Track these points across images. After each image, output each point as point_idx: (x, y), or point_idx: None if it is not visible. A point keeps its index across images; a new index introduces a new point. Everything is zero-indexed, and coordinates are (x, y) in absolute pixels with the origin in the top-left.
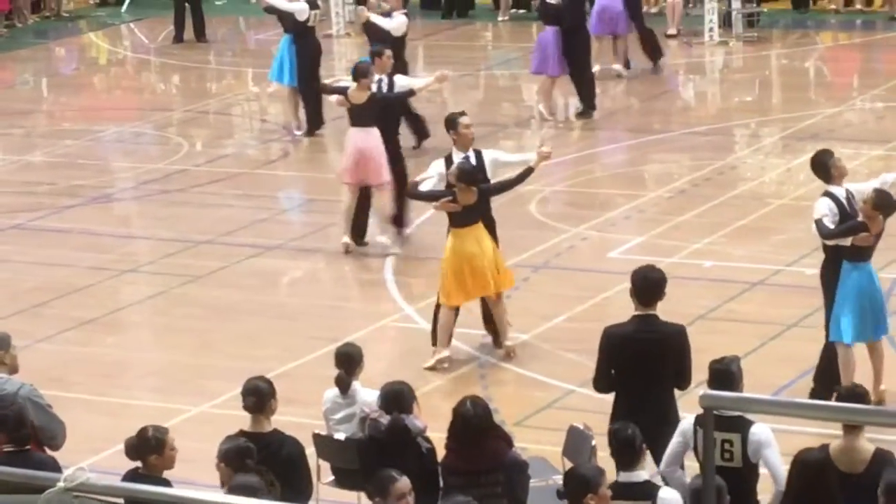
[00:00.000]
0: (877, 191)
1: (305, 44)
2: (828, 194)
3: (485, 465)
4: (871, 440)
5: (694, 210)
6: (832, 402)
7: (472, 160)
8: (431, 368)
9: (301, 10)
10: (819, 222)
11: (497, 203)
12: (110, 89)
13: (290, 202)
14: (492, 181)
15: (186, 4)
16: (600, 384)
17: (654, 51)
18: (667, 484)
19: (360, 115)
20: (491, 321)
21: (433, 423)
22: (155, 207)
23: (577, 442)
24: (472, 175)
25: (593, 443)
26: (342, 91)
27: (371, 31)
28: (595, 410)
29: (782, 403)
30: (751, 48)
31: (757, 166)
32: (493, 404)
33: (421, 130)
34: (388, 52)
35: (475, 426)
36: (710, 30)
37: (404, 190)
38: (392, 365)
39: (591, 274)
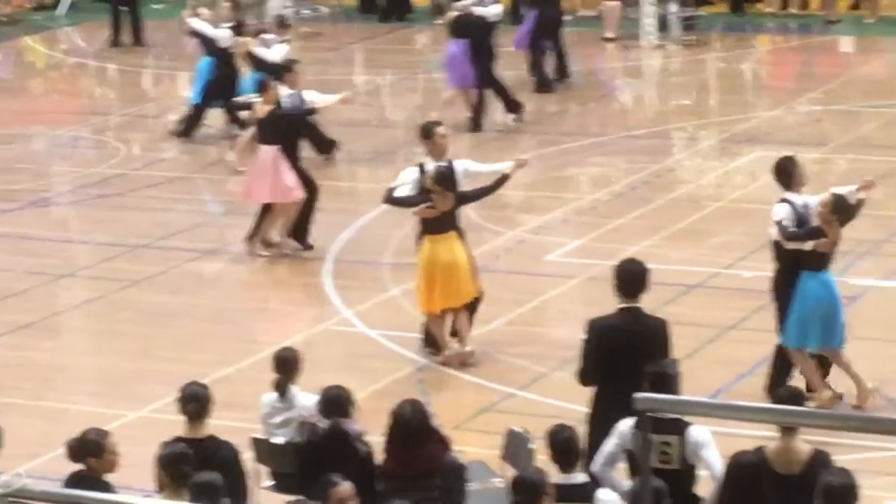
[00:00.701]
0: (835, 194)
1: (225, 68)
2: (786, 201)
3: (422, 469)
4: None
5: (631, 213)
6: (769, 405)
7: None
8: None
9: (224, 37)
10: (780, 224)
11: None
12: (48, 93)
13: (227, 206)
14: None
15: (124, 8)
16: (586, 376)
17: (510, 104)
18: (601, 485)
19: (263, 132)
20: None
21: (372, 427)
22: (93, 211)
23: (516, 445)
24: (451, 180)
25: (532, 446)
26: (249, 107)
27: (253, 61)
28: (534, 413)
29: (719, 406)
30: (688, 52)
31: (694, 169)
32: (432, 408)
33: (322, 143)
34: (299, 67)
35: (413, 429)
36: (648, 33)
37: (313, 205)
38: (331, 369)
39: (528, 277)
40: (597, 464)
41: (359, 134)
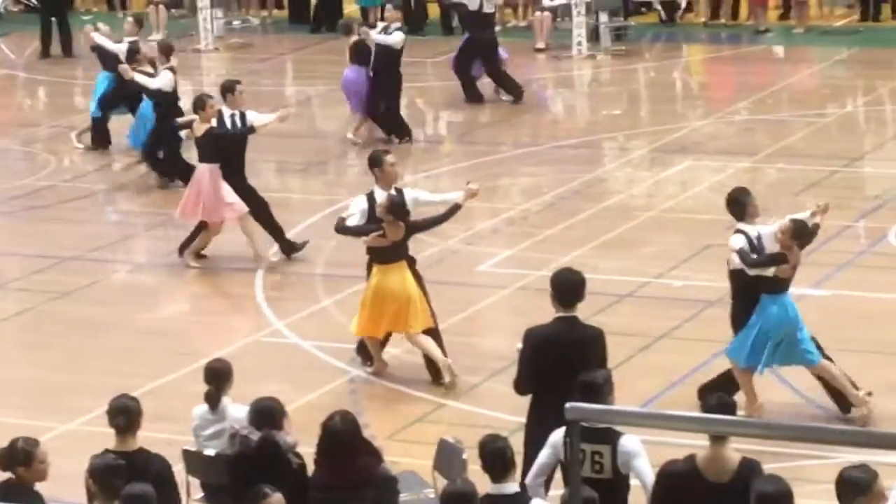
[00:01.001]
0: (794, 220)
1: (123, 82)
2: (740, 231)
3: (354, 480)
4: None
5: (562, 223)
6: (699, 414)
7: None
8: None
9: (124, 51)
10: (742, 252)
11: None
12: None
13: (158, 218)
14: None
15: (53, 19)
16: (522, 386)
17: (400, 129)
18: (531, 496)
19: (200, 150)
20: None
21: (304, 439)
22: (22, 224)
23: (448, 455)
24: (403, 209)
25: (464, 456)
26: (188, 125)
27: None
28: (466, 424)
29: (649, 415)
30: (618, 62)
31: (625, 179)
32: (364, 419)
33: None
34: (240, 88)
35: (343, 441)
36: (579, 44)
37: (270, 215)
38: (263, 380)
39: (460, 287)
40: (530, 474)
41: (290, 144)
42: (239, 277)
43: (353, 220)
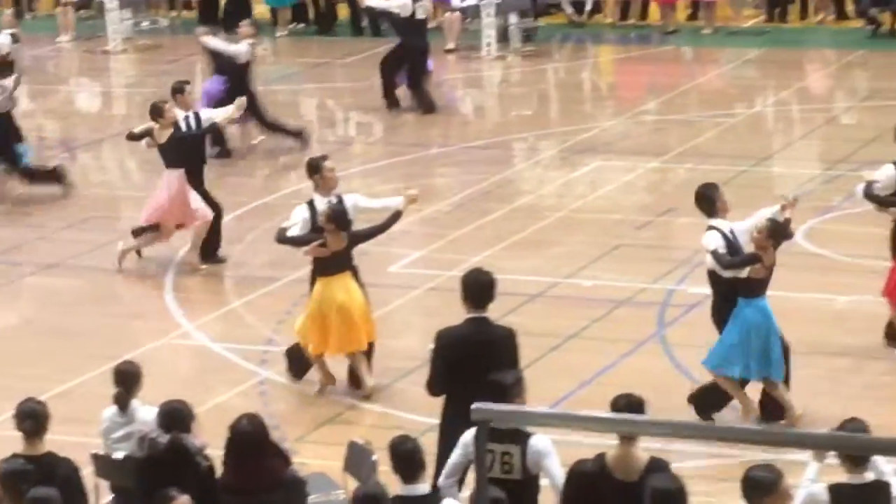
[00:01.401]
0: (771, 220)
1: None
2: (714, 228)
3: (262, 483)
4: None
5: (473, 223)
6: (606, 414)
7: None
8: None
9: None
10: (716, 253)
11: (277, 219)
12: None
13: (67, 220)
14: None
15: None
16: (435, 387)
17: (289, 132)
18: (443, 496)
19: (164, 156)
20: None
21: (213, 441)
22: None
23: (358, 457)
24: (345, 219)
25: (374, 457)
26: (148, 133)
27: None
28: (377, 425)
29: (556, 416)
30: (528, 62)
31: (535, 179)
32: (275, 421)
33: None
34: (189, 88)
35: (251, 443)
36: (488, 44)
37: (219, 222)
38: (172, 382)
39: (371, 288)
40: (443, 475)
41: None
42: (149, 279)
43: (295, 230)
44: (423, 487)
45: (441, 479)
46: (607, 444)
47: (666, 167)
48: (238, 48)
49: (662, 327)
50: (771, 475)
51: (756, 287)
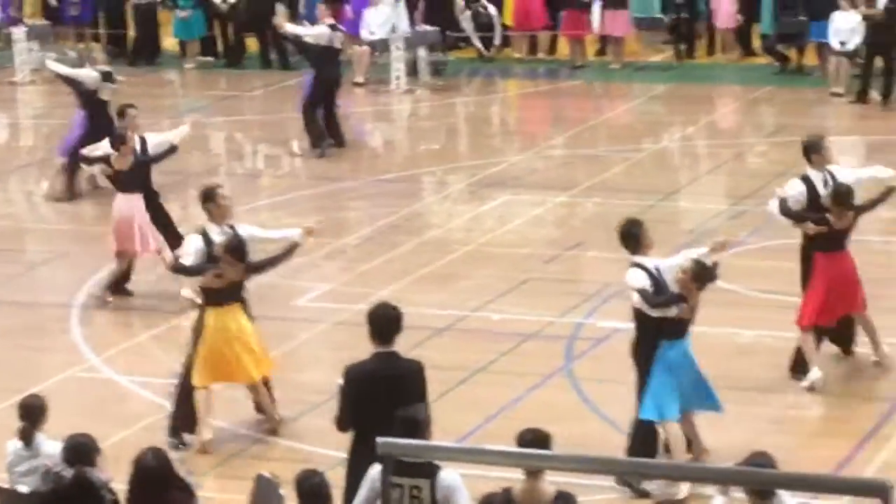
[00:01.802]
0: (697, 262)
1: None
2: (638, 265)
3: None
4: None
5: (382, 257)
6: (511, 448)
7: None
8: (203, 452)
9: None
10: (644, 292)
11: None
12: None
13: None
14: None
15: None
16: (344, 423)
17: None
18: None
19: (125, 182)
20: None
21: (119, 475)
22: None
23: (265, 491)
24: (242, 250)
25: (281, 491)
26: (104, 160)
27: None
28: (284, 459)
29: (461, 450)
30: (437, 96)
31: (444, 213)
32: (181, 454)
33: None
34: (133, 112)
35: (155, 477)
36: (397, 78)
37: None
38: (77, 416)
39: (279, 322)
40: None
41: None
42: (54, 311)
43: (189, 260)
44: None
45: None
46: (514, 477)
47: (574, 201)
48: (86, 73)
49: (570, 361)
50: None
51: (680, 328)
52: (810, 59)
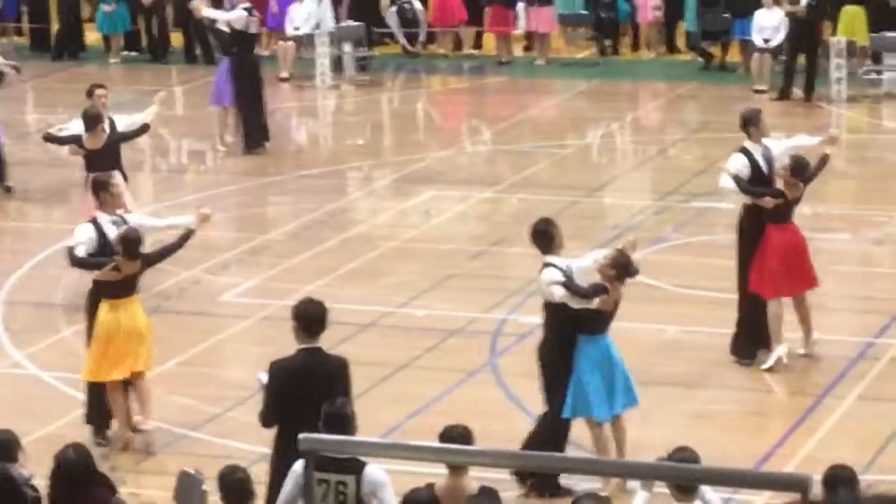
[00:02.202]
0: (618, 250)
1: None
2: (551, 265)
3: None
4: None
5: (306, 252)
6: (434, 444)
7: (124, 222)
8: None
9: None
10: (566, 284)
11: None
12: None
13: None
14: None
15: None
16: (268, 418)
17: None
18: None
19: (99, 161)
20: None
21: (42, 472)
22: None
23: (188, 487)
24: (137, 244)
25: (204, 487)
26: (75, 140)
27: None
28: (207, 454)
29: (383, 445)
30: (362, 92)
31: (369, 209)
32: (104, 450)
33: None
34: (102, 91)
35: (76, 473)
36: (322, 73)
37: None
38: (0, 413)
39: (203, 317)
40: None
41: (31, 173)
42: None
43: (82, 250)
44: None
45: None
46: (438, 473)
47: (499, 197)
48: None
49: (494, 356)
50: None
51: (599, 322)
52: (734, 55)
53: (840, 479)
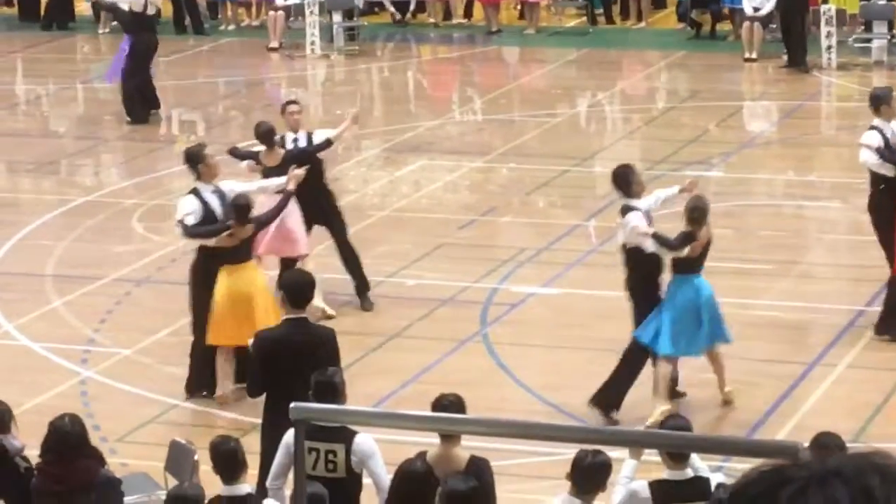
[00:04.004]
0: (694, 198)
1: None
2: (632, 208)
3: (76, 483)
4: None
5: None
6: (425, 413)
7: (221, 191)
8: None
9: None
10: (658, 236)
11: (100, 217)
12: None
13: None
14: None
15: None
16: (254, 389)
17: None
18: (270, 497)
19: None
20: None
21: (33, 443)
22: None
23: (179, 457)
24: (248, 210)
25: (195, 457)
26: (253, 156)
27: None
28: (199, 424)
29: (376, 414)
30: (352, 62)
31: (359, 178)
32: (96, 420)
33: None
34: (295, 108)
35: (70, 442)
36: (312, 43)
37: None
38: None
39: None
40: (270, 476)
41: (21, 144)
42: None
43: (192, 219)
44: (244, 487)
45: (269, 481)
46: (430, 442)
47: (489, 167)
48: None
49: (485, 326)
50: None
51: (692, 264)
52: (724, 24)
53: (828, 447)
